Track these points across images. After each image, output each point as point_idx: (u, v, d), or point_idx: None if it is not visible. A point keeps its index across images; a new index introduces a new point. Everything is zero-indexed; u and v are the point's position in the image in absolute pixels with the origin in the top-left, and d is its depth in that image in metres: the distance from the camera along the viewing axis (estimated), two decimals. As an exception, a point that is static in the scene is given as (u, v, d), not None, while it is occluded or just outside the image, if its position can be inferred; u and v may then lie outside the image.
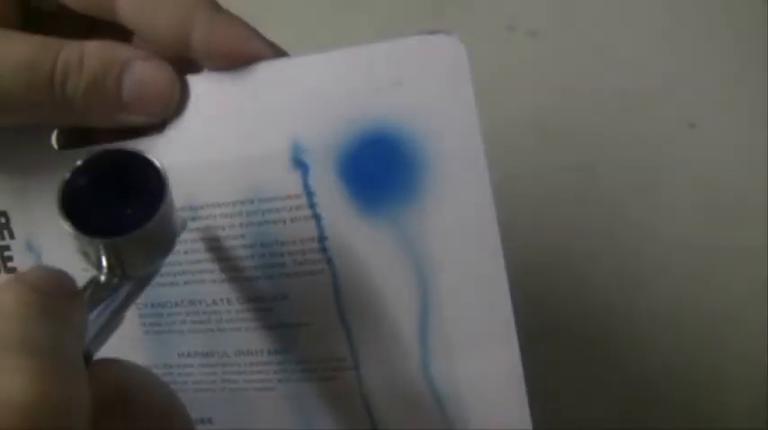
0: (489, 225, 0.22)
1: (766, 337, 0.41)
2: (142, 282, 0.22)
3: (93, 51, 0.22)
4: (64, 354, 0.17)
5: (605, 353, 0.43)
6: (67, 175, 0.20)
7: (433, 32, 0.21)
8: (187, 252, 0.25)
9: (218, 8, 0.23)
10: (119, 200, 0.21)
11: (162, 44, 0.23)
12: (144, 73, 0.23)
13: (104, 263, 0.20)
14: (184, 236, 0.24)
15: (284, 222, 0.23)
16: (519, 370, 0.23)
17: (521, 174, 0.48)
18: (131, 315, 0.26)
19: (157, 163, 0.20)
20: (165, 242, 0.21)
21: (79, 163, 0.21)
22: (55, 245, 0.26)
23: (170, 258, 0.24)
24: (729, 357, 0.41)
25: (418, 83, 0.21)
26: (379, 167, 0.22)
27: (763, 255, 0.43)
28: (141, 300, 0.25)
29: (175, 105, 0.23)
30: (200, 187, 0.24)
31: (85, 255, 0.21)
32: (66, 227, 0.20)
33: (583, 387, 0.42)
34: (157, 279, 0.25)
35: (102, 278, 0.20)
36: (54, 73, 0.22)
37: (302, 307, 0.24)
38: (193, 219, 0.24)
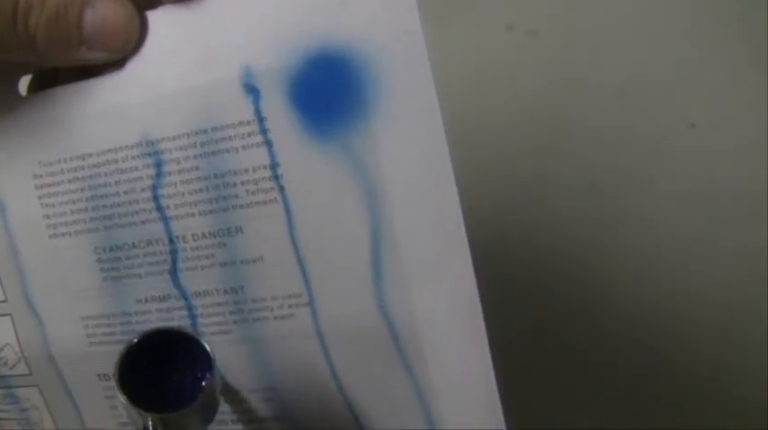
0: (439, 150, 0.22)
1: (766, 337, 0.41)
2: None
3: None
4: None
5: (604, 351, 0.43)
6: (124, 348, 0.22)
7: None
8: (144, 189, 0.25)
9: None
10: (165, 368, 0.22)
11: None
12: (105, 9, 0.23)
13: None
14: (140, 172, 0.24)
15: (237, 150, 0.23)
16: (476, 300, 0.23)
17: (520, 174, 0.48)
18: (89, 262, 0.26)
19: (205, 344, 0.22)
20: (206, 414, 0.23)
21: (135, 339, 0.22)
22: (18, 191, 0.26)
23: (127, 197, 0.24)
24: (729, 357, 0.41)
25: (363, 2, 0.22)
26: (328, 90, 0.22)
27: (763, 254, 0.43)
28: (99, 244, 0.25)
29: (135, 41, 0.23)
30: (156, 121, 0.24)
31: (134, 421, 0.22)
32: (123, 399, 0.21)
33: (581, 385, 0.42)
34: (116, 220, 0.25)
35: None
36: (17, 8, 0.22)
37: (256, 240, 0.24)
38: (149, 154, 0.24)
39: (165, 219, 0.25)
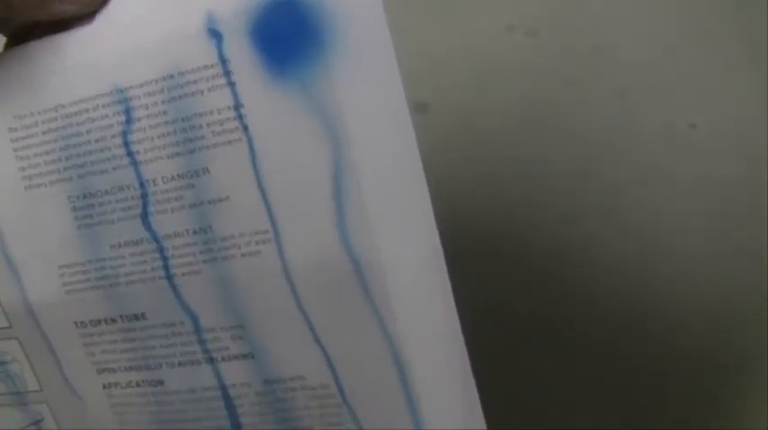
0: (395, 91, 0.23)
1: (766, 337, 0.41)
2: None
3: None
4: None
5: (604, 351, 0.43)
6: None
7: None
8: (114, 136, 0.25)
9: None
10: None
11: None
12: None
13: None
14: (111, 119, 0.25)
15: (202, 93, 0.24)
16: (439, 253, 0.24)
17: (520, 174, 0.48)
18: (64, 211, 0.27)
19: None
20: None
21: None
22: None
23: (98, 145, 0.25)
24: (729, 357, 0.41)
25: None
26: (288, 31, 0.23)
27: (764, 254, 0.43)
28: (74, 192, 0.26)
29: None
30: (126, 71, 0.25)
31: None
32: None
33: (581, 384, 0.42)
34: (88, 167, 0.26)
35: None
36: None
37: (222, 180, 0.25)
38: (119, 101, 0.25)
39: (135, 164, 0.26)
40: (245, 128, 0.24)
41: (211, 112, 0.25)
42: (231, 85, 0.24)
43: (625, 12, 0.53)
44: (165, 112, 0.25)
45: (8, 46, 0.26)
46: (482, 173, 0.48)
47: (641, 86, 0.50)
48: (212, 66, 0.24)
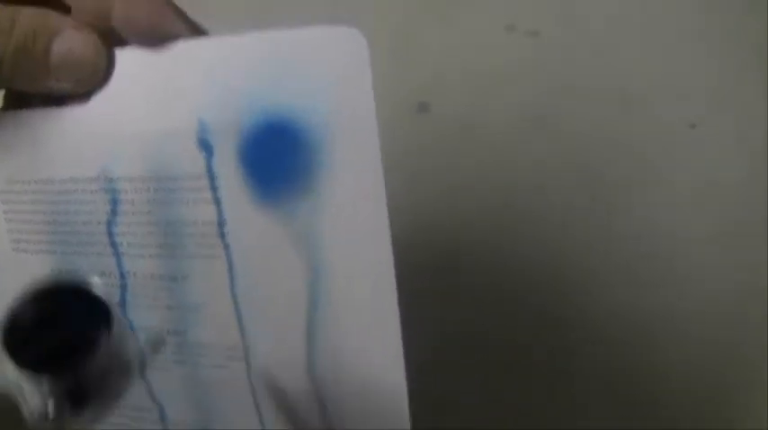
0: (381, 227, 0.23)
1: (766, 336, 0.41)
2: (101, 413, 0.22)
3: (26, 16, 0.23)
4: None
5: (602, 351, 0.43)
6: (10, 311, 0.20)
7: (335, 24, 0.22)
8: (100, 223, 0.25)
9: None
10: (67, 337, 0.21)
11: (84, 15, 0.23)
12: (72, 41, 0.23)
13: (51, 400, 0.20)
14: (97, 206, 0.25)
15: (187, 203, 0.24)
16: (402, 383, 0.24)
17: (520, 173, 0.48)
18: None
19: (101, 297, 0.21)
20: (115, 379, 0.21)
21: (22, 300, 0.21)
22: None
23: (84, 228, 0.25)
24: (729, 356, 0.41)
25: (320, 72, 0.22)
26: (278, 155, 0.23)
27: (763, 254, 0.43)
28: (57, 266, 0.26)
29: (101, 76, 0.24)
30: (115, 158, 0.25)
31: (30, 391, 0.20)
32: (11, 365, 0.20)
33: (582, 384, 0.42)
34: (73, 247, 0.26)
35: (50, 412, 0.20)
36: None
37: (199, 290, 0.25)
38: (107, 190, 0.25)
39: (118, 255, 0.26)
40: (227, 246, 0.24)
41: (195, 224, 0.24)
42: (216, 201, 0.24)
43: (625, 12, 0.53)
44: (149, 212, 0.25)
45: (5, 102, 0.26)
46: (482, 172, 0.48)
47: (641, 86, 0.50)
48: (200, 177, 0.24)
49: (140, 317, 0.26)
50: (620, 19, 0.54)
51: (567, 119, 0.49)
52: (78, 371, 0.20)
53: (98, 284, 0.21)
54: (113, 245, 0.26)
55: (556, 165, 0.48)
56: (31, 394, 0.20)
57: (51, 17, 0.23)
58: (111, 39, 0.24)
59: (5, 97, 0.26)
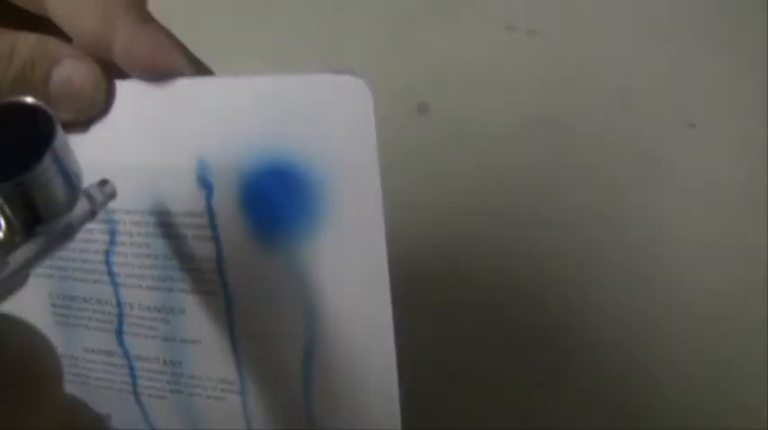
0: (380, 270, 0.22)
1: (766, 336, 0.41)
2: (51, 244, 0.21)
3: (25, 43, 0.23)
4: None
5: (603, 350, 0.43)
6: None
7: (341, 73, 0.22)
8: (97, 251, 0.25)
9: (146, 18, 0.23)
10: (13, 156, 0.20)
11: (85, 46, 0.23)
12: (72, 71, 0.23)
13: (1, 219, 0.19)
14: (95, 235, 0.25)
15: (186, 238, 0.24)
16: (398, 427, 0.24)
17: (520, 173, 0.48)
18: (44, 304, 0.27)
19: (44, 106, 0.19)
20: (63, 191, 0.20)
21: None
22: None
23: (82, 255, 0.25)
24: (729, 356, 0.42)
25: (324, 119, 0.22)
26: (279, 197, 0.23)
27: (763, 254, 0.43)
28: (55, 290, 0.26)
29: (100, 106, 0.24)
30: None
31: None
32: None
33: (579, 384, 0.42)
34: (70, 273, 0.26)
35: (1, 236, 0.20)
36: None
37: (197, 324, 0.25)
38: (105, 220, 0.25)
39: (115, 284, 0.26)
40: (225, 283, 0.24)
41: (192, 260, 0.24)
42: (215, 239, 0.24)
43: (625, 12, 0.53)
44: (147, 245, 0.25)
45: None
46: (482, 172, 0.48)
47: (641, 86, 0.50)
48: (199, 215, 0.24)
49: (136, 345, 0.26)
50: (620, 19, 0.54)
51: (567, 119, 0.49)
52: (25, 183, 0.19)
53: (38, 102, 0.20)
54: (111, 274, 0.25)
55: (555, 166, 0.48)
56: None
57: (51, 45, 0.23)
58: (112, 69, 0.23)
59: None
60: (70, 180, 0.20)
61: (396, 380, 0.23)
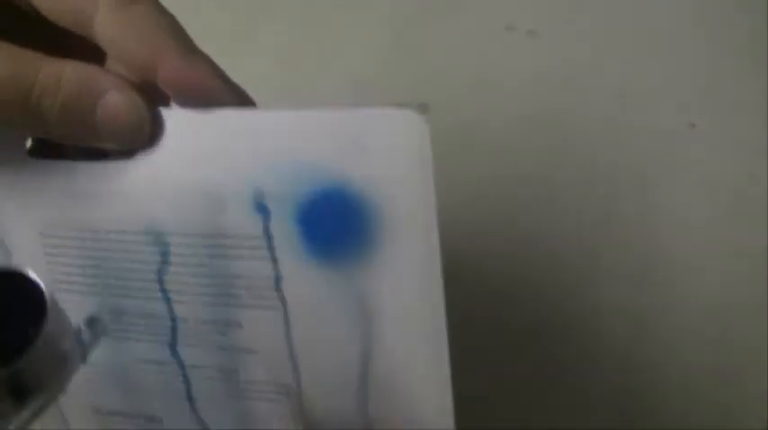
0: (436, 301, 0.24)
1: (766, 336, 0.41)
2: (39, 410, 0.21)
3: (71, 76, 0.23)
4: None
5: (604, 350, 0.43)
6: None
7: (401, 107, 0.22)
8: (149, 272, 0.26)
9: (191, 49, 0.24)
10: (8, 323, 0.20)
11: (131, 71, 0.24)
12: (117, 105, 0.23)
13: None
14: (146, 256, 0.26)
15: (243, 258, 0.25)
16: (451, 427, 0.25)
17: (520, 173, 0.48)
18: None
19: (38, 282, 0.20)
20: (53, 367, 0.21)
21: None
22: (25, 244, 0.27)
23: (134, 274, 0.25)
24: (729, 357, 0.42)
25: (382, 152, 0.23)
26: (336, 224, 0.24)
27: (764, 254, 0.43)
28: (102, 307, 0.27)
29: (145, 138, 0.24)
30: (164, 215, 0.25)
31: None
32: None
33: (580, 383, 0.42)
34: (120, 291, 0.26)
35: None
36: (31, 93, 0.23)
37: (254, 336, 0.26)
38: (156, 243, 0.25)
39: (168, 301, 0.26)
40: (283, 299, 0.25)
41: (250, 277, 0.25)
42: (273, 260, 0.25)
43: (625, 12, 0.53)
44: (203, 265, 0.25)
45: (33, 149, 0.26)
46: (482, 172, 0.48)
47: (641, 86, 0.50)
48: (256, 237, 0.24)
49: (192, 356, 0.27)
50: (620, 19, 0.54)
51: (567, 119, 0.49)
52: (17, 367, 0.19)
53: (32, 273, 0.21)
54: (163, 291, 0.26)
55: (555, 166, 0.48)
56: None
57: (97, 76, 0.23)
58: (158, 96, 0.24)
59: (34, 141, 0.27)
60: (65, 358, 0.21)
61: (449, 385, 0.25)
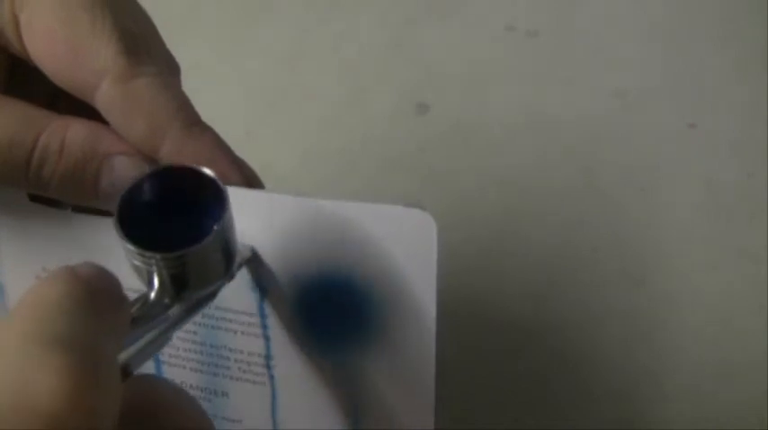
0: (427, 381, 0.23)
1: (766, 336, 0.41)
2: (194, 307, 0.22)
3: (76, 139, 0.23)
4: (103, 358, 0.16)
5: (605, 351, 0.43)
6: (126, 190, 0.20)
7: (409, 205, 0.22)
8: None
9: (196, 125, 0.23)
10: (177, 218, 0.21)
11: (133, 145, 0.23)
12: (121, 171, 0.23)
13: (156, 281, 0.20)
14: None
15: (235, 332, 0.25)
16: None
17: (520, 174, 0.48)
18: None
19: (218, 181, 0.20)
20: (221, 264, 0.21)
21: (138, 179, 0.21)
22: (20, 285, 0.27)
23: None
24: (729, 358, 0.41)
25: (387, 247, 0.22)
26: (333, 314, 0.24)
27: (764, 254, 0.43)
28: None
29: None
30: None
31: (138, 270, 0.20)
32: (122, 240, 0.20)
33: (579, 384, 0.42)
34: None
35: (153, 296, 0.20)
36: (32, 155, 0.22)
37: (240, 407, 0.26)
38: None
39: (158, 362, 0.26)
40: (272, 377, 0.25)
41: (241, 352, 0.25)
42: (266, 337, 0.25)
43: (625, 12, 0.53)
44: (195, 332, 0.25)
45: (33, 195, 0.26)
46: (481, 172, 0.48)
47: (641, 87, 0.50)
48: (250, 314, 0.24)
49: None
50: (620, 19, 0.54)
51: (567, 119, 0.49)
52: (187, 256, 0.20)
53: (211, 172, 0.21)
54: None
55: (555, 166, 0.48)
56: (138, 271, 0.20)
57: (101, 140, 0.23)
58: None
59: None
60: (228, 256, 0.21)
61: None
